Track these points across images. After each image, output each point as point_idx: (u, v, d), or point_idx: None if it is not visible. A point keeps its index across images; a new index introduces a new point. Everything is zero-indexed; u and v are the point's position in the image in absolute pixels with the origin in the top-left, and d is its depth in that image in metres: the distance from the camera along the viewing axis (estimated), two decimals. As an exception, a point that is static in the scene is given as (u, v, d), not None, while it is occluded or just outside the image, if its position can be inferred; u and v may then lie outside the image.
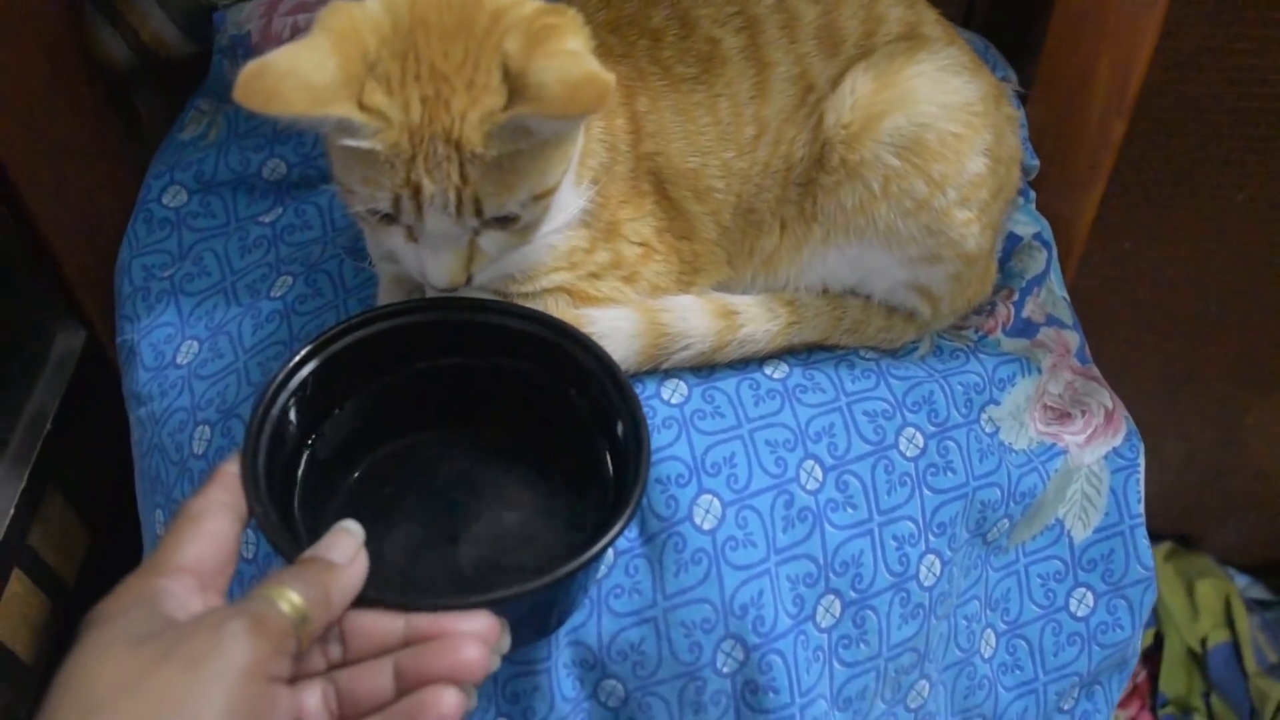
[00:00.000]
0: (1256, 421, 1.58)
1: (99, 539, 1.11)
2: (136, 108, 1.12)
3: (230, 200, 0.97)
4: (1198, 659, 1.65)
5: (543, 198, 0.67)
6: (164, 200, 0.97)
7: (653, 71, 0.79)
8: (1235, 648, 1.63)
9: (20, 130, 0.93)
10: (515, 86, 0.61)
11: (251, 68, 0.59)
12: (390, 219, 0.65)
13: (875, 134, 0.77)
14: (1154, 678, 1.67)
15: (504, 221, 0.66)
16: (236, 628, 0.48)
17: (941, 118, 0.78)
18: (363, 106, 0.61)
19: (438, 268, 0.68)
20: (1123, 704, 1.66)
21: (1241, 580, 1.72)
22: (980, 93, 0.80)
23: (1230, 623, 1.65)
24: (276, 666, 0.49)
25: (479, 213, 0.64)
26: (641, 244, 0.81)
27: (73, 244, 1.01)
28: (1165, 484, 1.66)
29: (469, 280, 0.69)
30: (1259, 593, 1.73)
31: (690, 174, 0.81)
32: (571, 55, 0.61)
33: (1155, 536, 1.72)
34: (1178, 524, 1.73)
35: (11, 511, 0.97)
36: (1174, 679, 1.65)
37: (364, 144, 0.62)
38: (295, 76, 0.59)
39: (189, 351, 0.89)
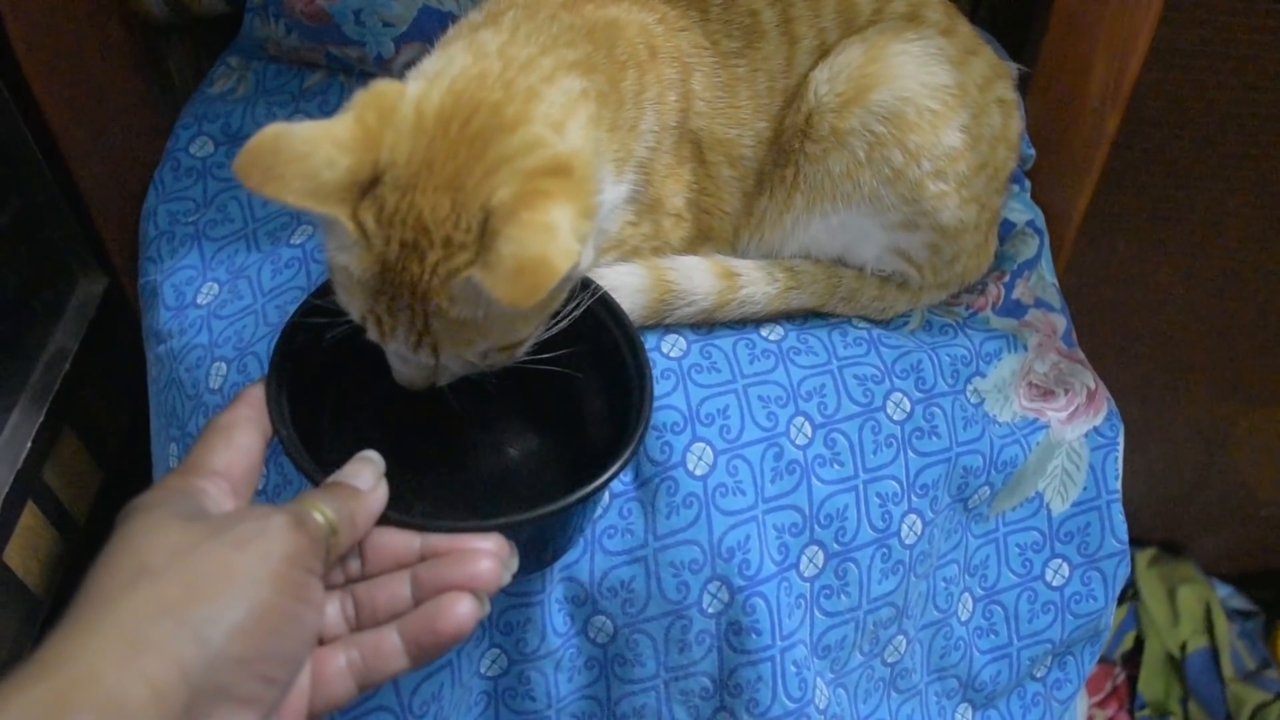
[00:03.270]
0: (1243, 431, 1.60)
1: (109, 479, 1.14)
2: (168, 61, 1.15)
3: (255, 152, 1.00)
4: (1176, 664, 1.67)
5: (508, 349, 0.67)
6: (191, 150, 1.01)
7: (705, 46, 0.81)
8: (1214, 654, 1.65)
9: (59, 78, 0.96)
10: (485, 245, 0.60)
11: (263, 141, 0.58)
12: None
13: (865, 103, 0.81)
14: (1133, 680, 1.69)
15: (465, 362, 0.67)
16: (281, 520, 0.51)
17: (920, 94, 0.81)
18: (354, 217, 0.61)
19: (401, 373, 0.69)
20: (1101, 704, 1.68)
21: (1223, 590, 1.75)
22: (957, 80, 0.84)
23: (1210, 629, 1.67)
24: (313, 562, 0.52)
25: (437, 355, 0.65)
26: (676, 214, 0.84)
27: (102, 190, 1.04)
28: (1150, 489, 1.68)
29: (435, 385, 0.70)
30: (1240, 603, 1.75)
31: (728, 143, 0.84)
32: (543, 229, 0.58)
33: (1139, 542, 1.74)
34: (1162, 531, 1.75)
35: (29, 446, 1.00)
36: (1153, 683, 1.67)
37: (340, 257, 0.62)
38: (304, 164, 0.59)
39: (209, 293, 0.92)
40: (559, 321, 0.69)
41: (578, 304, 0.70)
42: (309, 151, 0.59)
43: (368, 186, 0.62)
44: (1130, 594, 1.71)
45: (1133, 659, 1.69)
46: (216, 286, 0.92)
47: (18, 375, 1.04)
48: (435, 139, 0.63)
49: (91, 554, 0.49)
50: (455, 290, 0.61)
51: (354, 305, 0.64)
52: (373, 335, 0.65)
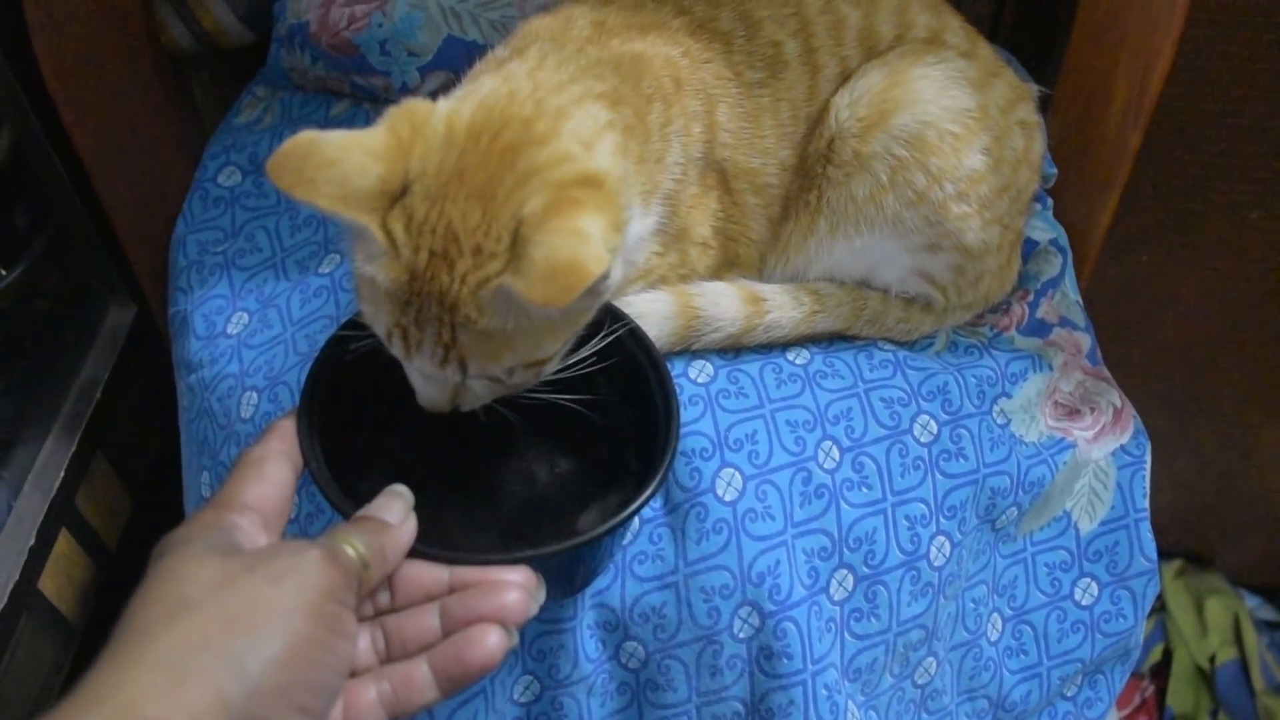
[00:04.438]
0: (1269, 441, 1.59)
1: (140, 506, 1.15)
2: (195, 92, 1.17)
3: (282, 182, 1.01)
4: (1205, 676, 1.65)
5: (534, 366, 0.66)
6: (219, 180, 1.02)
7: (729, 78, 0.82)
8: (1243, 666, 1.64)
9: (89, 109, 0.97)
10: (516, 254, 0.60)
11: (297, 145, 0.59)
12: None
13: (886, 127, 0.81)
14: (1162, 693, 1.67)
15: (491, 378, 0.66)
16: (315, 555, 0.52)
17: (942, 118, 0.82)
18: (384, 226, 0.61)
19: (424, 393, 0.68)
20: (1130, 717, 1.67)
21: (1252, 601, 1.73)
22: (978, 102, 0.84)
23: (1239, 641, 1.66)
24: (346, 595, 0.53)
25: (463, 370, 0.64)
26: (702, 242, 0.84)
27: (132, 220, 1.05)
28: (1176, 501, 1.67)
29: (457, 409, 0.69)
30: (1269, 614, 1.74)
31: (753, 172, 0.85)
32: (575, 234, 0.59)
33: (1166, 554, 1.73)
34: (1188, 542, 1.74)
35: (61, 475, 1.01)
36: (1182, 695, 1.66)
37: (367, 268, 0.62)
38: (336, 170, 0.59)
39: (239, 322, 0.93)
40: (584, 352, 0.69)
41: (603, 334, 0.70)
42: (341, 158, 0.60)
43: (397, 197, 0.62)
44: (1157, 606, 1.70)
45: (1161, 672, 1.68)
46: (246, 316, 0.93)
47: (50, 404, 1.05)
48: (466, 150, 0.63)
49: (124, 581, 0.51)
50: (485, 300, 0.61)
51: (380, 319, 0.64)
52: (398, 351, 0.65)
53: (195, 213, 1.02)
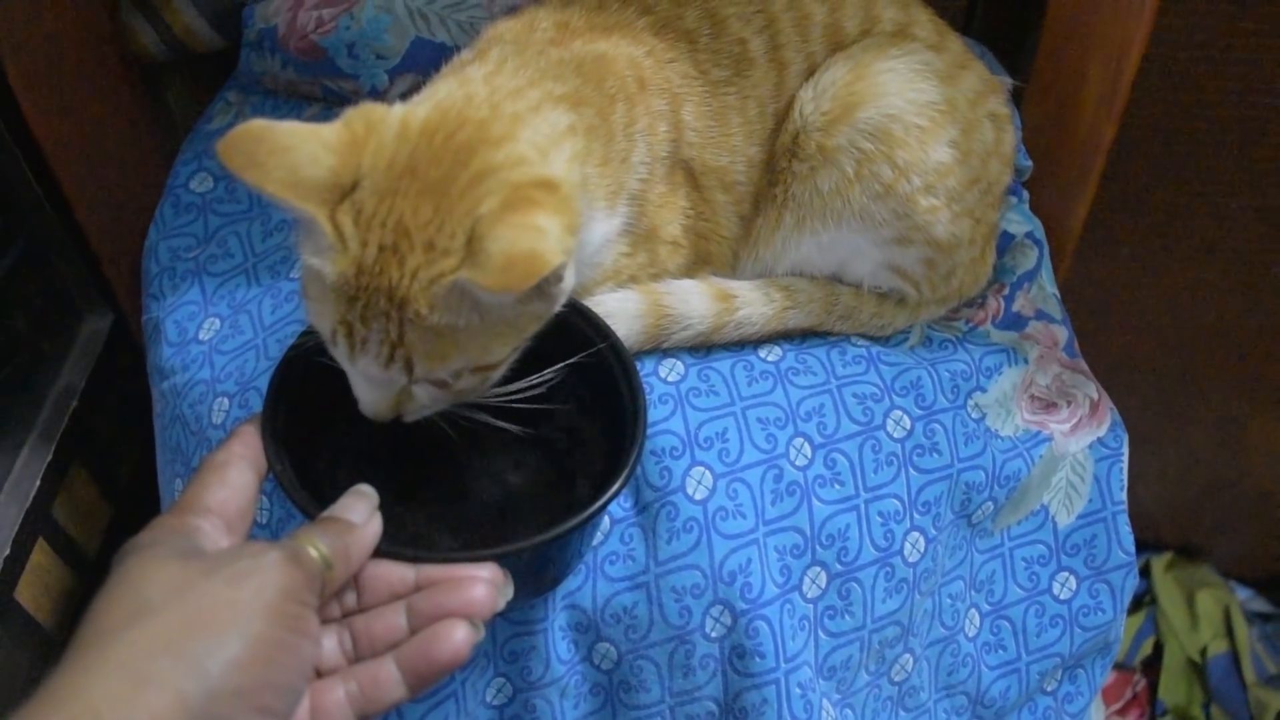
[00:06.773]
0: (1257, 433, 1.59)
1: (120, 514, 1.15)
2: (168, 98, 1.16)
3: (254, 187, 1.01)
4: (1197, 669, 1.65)
5: (481, 371, 0.66)
6: (191, 186, 1.02)
7: (695, 76, 0.82)
8: (1234, 658, 1.64)
9: (59, 118, 0.97)
10: (471, 250, 0.60)
11: (251, 128, 0.59)
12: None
13: (852, 121, 0.81)
14: (1154, 686, 1.67)
15: (437, 382, 0.65)
16: (275, 556, 0.52)
17: (908, 111, 0.82)
18: (332, 219, 0.61)
19: (367, 399, 0.67)
20: (1122, 711, 1.67)
21: (1243, 593, 1.73)
22: (945, 95, 0.84)
23: (1230, 633, 1.66)
24: (308, 596, 0.53)
25: (409, 371, 0.63)
26: (672, 241, 0.84)
27: (104, 228, 1.05)
28: (1166, 495, 1.67)
29: (400, 417, 0.68)
30: (1260, 606, 1.74)
31: (721, 170, 0.84)
32: (532, 230, 0.59)
33: (1156, 547, 1.73)
34: (1179, 535, 1.74)
35: (38, 484, 1.01)
36: (1173, 688, 1.66)
37: (315, 261, 0.61)
38: (288, 157, 0.59)
39: (211, 328, 0.93)
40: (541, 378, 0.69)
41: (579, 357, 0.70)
42: (294, 145, 0.60)
43: (348, 191, 0.62)
44: (1148, 599, 1.70)
45: (1152, 665, 1.68)
46: (218, 322, 0.93)
47: (26, 413, 1.05)
48: (419, 147, 0.63)
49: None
50: (437, 296, 0.60)
51: (325, 316, 0.63)
52: (341, 351, 0.64)
53: (167, 219, 1.01)
